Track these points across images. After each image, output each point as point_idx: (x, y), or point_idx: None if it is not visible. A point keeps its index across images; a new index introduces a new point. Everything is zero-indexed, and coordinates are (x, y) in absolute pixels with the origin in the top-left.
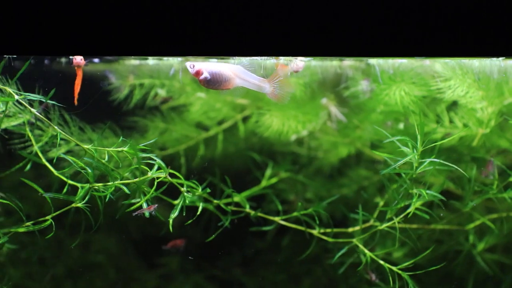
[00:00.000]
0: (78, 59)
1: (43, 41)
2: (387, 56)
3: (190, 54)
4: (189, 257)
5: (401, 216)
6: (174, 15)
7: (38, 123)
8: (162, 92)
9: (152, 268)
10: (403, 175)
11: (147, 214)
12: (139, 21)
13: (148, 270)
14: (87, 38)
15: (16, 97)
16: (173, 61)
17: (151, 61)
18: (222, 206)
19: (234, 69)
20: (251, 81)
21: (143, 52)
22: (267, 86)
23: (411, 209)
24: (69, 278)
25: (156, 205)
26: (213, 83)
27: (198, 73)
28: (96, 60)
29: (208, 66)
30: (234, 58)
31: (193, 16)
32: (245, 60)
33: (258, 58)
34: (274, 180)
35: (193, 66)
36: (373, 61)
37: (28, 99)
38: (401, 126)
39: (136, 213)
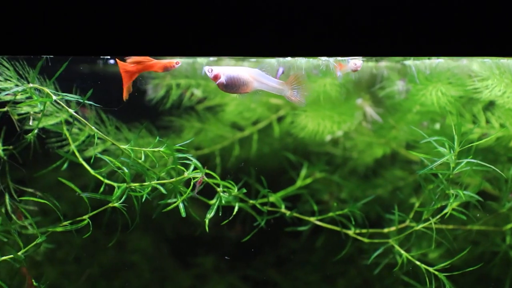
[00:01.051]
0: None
1: (79, 41)
2: (423, 56)
3: (225, 54)
4: (225, 257)
5: (438, 216)
6: (208, 15)
7: (75, 122)
8: (197, 92)
9: (187, 268)
10: (440, 175)
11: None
12: (173, 20)
13: (183, 270)
14: (122, 39)
15: (54, 97)
16: (205, 61)
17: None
18: (258, 206)
19: (252, 73)
20: (269, 84)
21: (178, 52)
22: (285, 88)
23: (447, 210)
24: (104, 277)
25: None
26: (231, 87)
27: (216, 77)
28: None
29: (226, 70)
30: (278, 59)
31: (227, 16)
32: (300, 60)
33: (302, 58)
34: (309, 180)
35: (211, 70)
36: (409, 61)
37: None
38: (437, 126)
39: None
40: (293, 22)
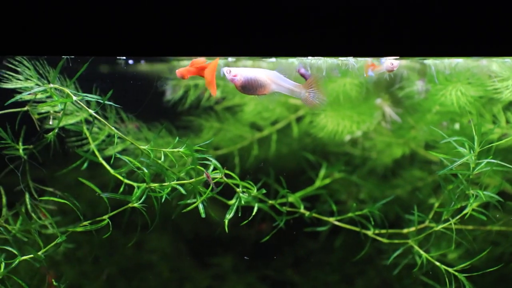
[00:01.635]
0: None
1: (99, 42)
2: (442, 56)
3: (244, 54)
4: (245, 257)
5: (458, 217)
6: (227, 15)
7: (95, 121)
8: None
9: (205, 268)
10: (460, 176)
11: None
12: (192, 20)
13: (201, 270)
14: (143, 39)
15: (74, 98)
16: (224, 62)
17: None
18: (277, 206)
19: (270, 75)
20: (286, 87)
21: (197, 52)
22: (302, 91)
23: (468, 210)
24: (122, 277)
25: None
26: (248, 89)
27: (233, 79)
28: (131, 61)
29: (243, 72)
30: (309, 58)
31: (246, 16)
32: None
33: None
34: (327, 180)
35: (230, 71)
36: (429, 61)
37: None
38: (457, 126)
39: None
40: (313, 22)
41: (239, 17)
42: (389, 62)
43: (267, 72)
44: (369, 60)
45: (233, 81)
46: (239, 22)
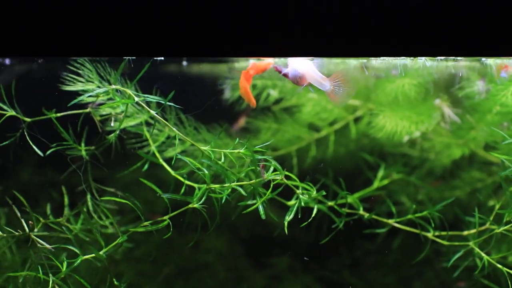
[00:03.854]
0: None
1: (158, 43)
2: (503, 55)
3: (295, 54)
4: (304, 258)
5: None
6: (277, 15)
7: (156, 123)
8: (274, 93)
9: (261, 268)
10: None
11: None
12: (236, 21)
13: (258, 270)
14: (194, 40)
15: (136, 99)
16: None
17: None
18: (336, 207)
19: (307, 65)
20: (314, 77)
21: (253, 52)
22: (327, 84)
23: None
24: (180, 277)
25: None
26: (292, 79)
27: (277, 68)
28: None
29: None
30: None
31: (295, 16)
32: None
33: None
34: (386, 181)
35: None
36: (490, 61)
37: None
38: None
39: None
40: (369, 21)
41: (290, 18)
42: None
43: (305, 62)
44: (503, 61)
45: (276, 70)
46: (290, 22)
